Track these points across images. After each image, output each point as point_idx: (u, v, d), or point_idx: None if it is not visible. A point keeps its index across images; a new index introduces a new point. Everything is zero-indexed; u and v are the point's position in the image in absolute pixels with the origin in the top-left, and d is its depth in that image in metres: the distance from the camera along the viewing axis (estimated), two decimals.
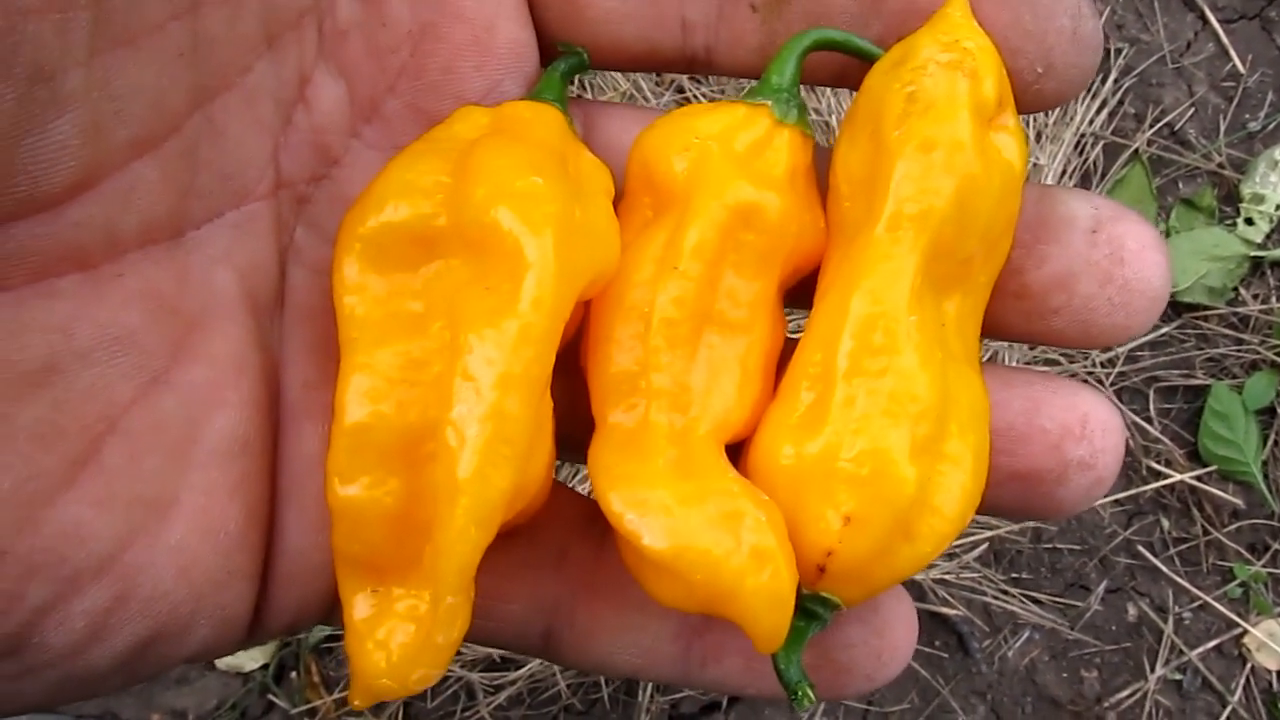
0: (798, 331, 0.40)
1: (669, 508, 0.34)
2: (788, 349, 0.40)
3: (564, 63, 0.41)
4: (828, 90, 1.27)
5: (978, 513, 0.38)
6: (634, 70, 0.44)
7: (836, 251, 0.39)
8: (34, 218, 0.31)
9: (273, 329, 0.38)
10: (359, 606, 0.35)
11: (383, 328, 0.35)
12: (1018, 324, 0.41)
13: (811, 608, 0.37)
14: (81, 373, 0.32)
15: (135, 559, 0.33)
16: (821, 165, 0.41)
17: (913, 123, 0.36)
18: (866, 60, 0.40)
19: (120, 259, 0.33)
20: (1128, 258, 0.39)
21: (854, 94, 0.40)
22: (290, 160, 0.38)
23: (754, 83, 0.41)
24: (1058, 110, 1.43)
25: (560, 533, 0.43)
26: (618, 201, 0.39)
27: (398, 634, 0.34)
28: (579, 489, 1.01)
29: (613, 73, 1.24)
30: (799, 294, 0.42)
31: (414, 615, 0.34)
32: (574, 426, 0.38)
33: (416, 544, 0.34)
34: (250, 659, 1.33)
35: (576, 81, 1.21)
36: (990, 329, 0.41)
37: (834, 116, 1.31)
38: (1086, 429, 0.40)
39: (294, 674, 1.34)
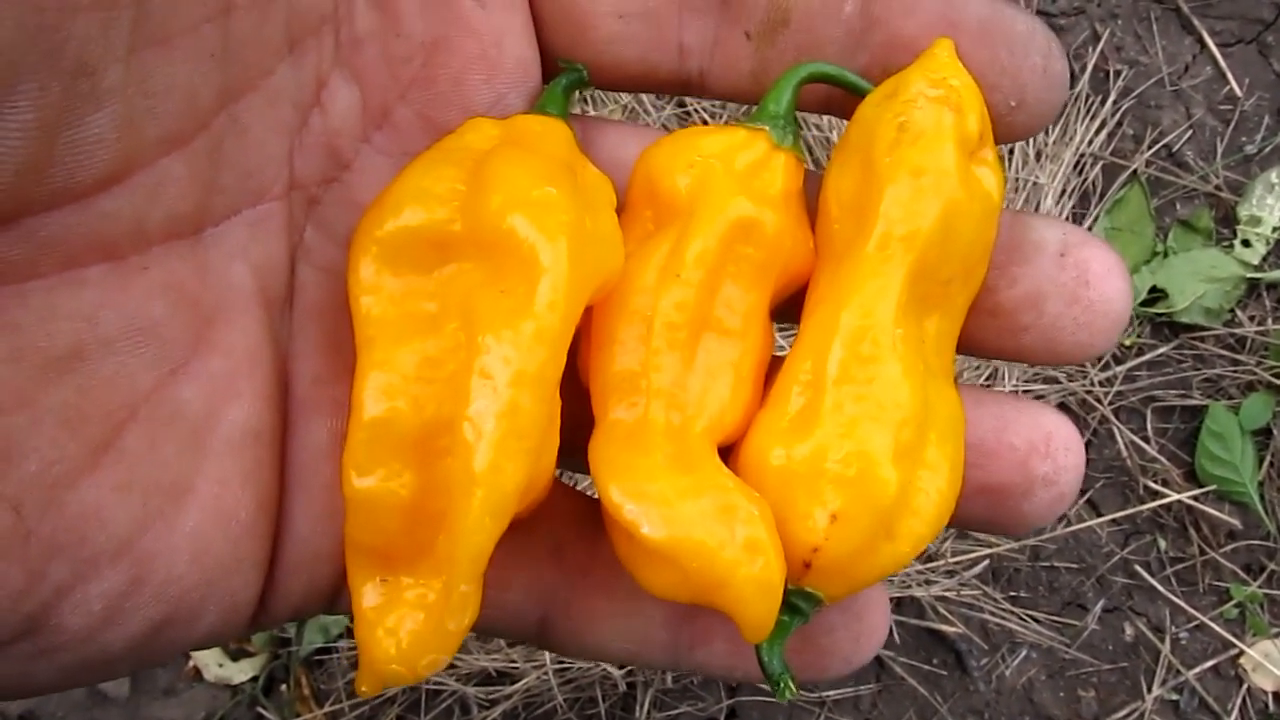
0: (782, 352, 0.42)
1: (667, 499, 0.36)
2: (774, 363, 0.42)
3: (565, 78, 0.43)
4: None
5: (947, 525, 0.40)
6: (633, 90, 0.46)
7: (825, 269, 0.41)
8: (66, 208, 0.32)
9: (283, 325, 0.39)
10: (369, 594, 0.36)
11: (399, 327, 0.36)
12: (990, 340, 0.43)
13: (795, 602, 0.39)
14: (106, 360, 0.33)
15: (151, 544, 0.34)
16: (809, 192, 0.43)
17: (903, 151, 0.39)
18: (856, 94, 0.42)
19: (146, 252, 0.34)
20: (1093, 280, 0.41)
21: (841, 122, 0.43)
22: (304, 162, 0.39)
23: (752, 107, 0.43)
24: (1058, 130, 1.43)
25: (557, 526, 0.44)
26: (619, 213, 0.41)
27: (407, 621, 0.35)
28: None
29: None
30: (784, 312, 0.44)
31: (423, 603, 0.35)
32: (571, 432, 0.39)
33: (427, 535, 0.35)
34: (240, 671, 1.31)
35: (579, 94, 1.21)
36: (965, 345, 0.43)
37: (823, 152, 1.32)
38: (1050, 447, 0.42)
39: (284, 686, 1.32)
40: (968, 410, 0.41)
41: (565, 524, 0.44)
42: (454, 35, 0.41)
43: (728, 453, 0.41)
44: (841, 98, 0.44)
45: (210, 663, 1.31)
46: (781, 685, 0.39)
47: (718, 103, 1.41)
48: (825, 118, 1.32)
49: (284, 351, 0.39)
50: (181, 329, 0.35)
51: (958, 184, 0.38)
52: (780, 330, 0.84)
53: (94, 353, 0.33)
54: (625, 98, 1.38)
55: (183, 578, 0.35)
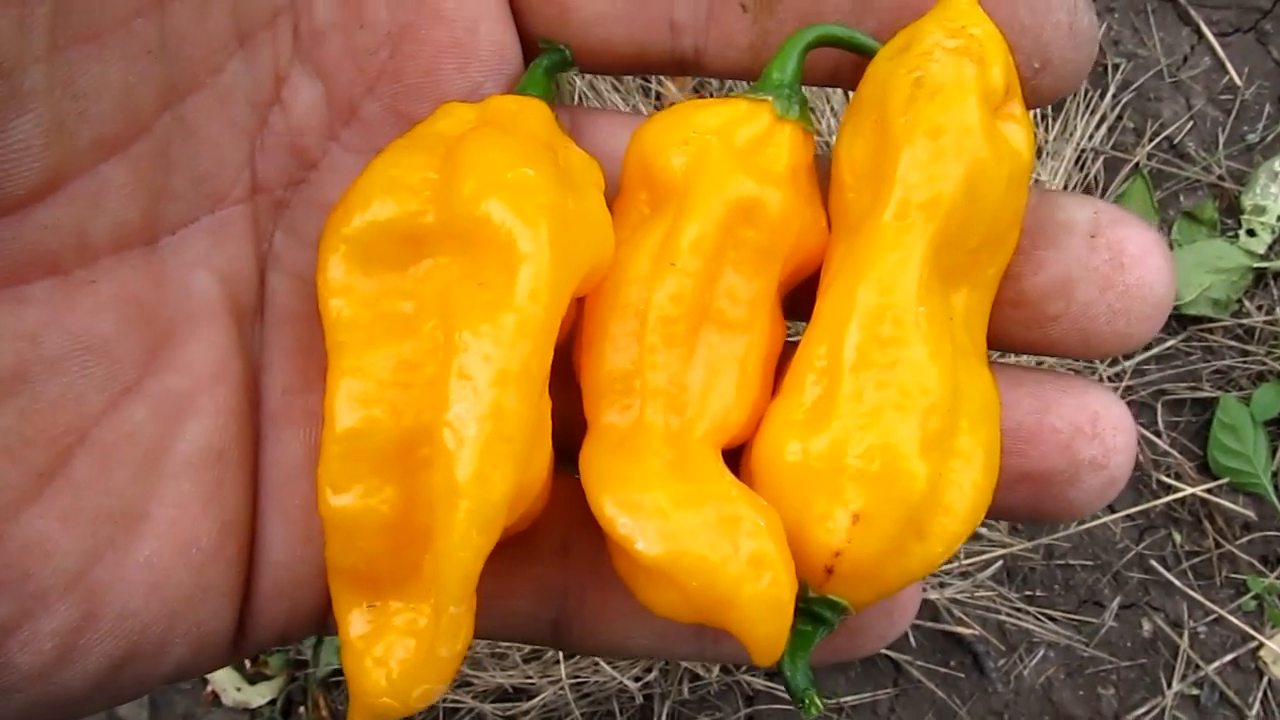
0: (797, 341, 0.39)
1: (664, 511, 0.33)
2: (786, 354, 0.39)
3: (546, 59, 0.40)
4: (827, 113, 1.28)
5: (987, 517, 0.37)
6: (622, 73, 0.43)
7: (840, 245, 0.38)
8: None
9: (253, 335, 0.37)
10: (355, 623, 0.34)
11: (372, 330, 0.34)
12: (1015, 333, 0.40)
13: (819, 611, 0.36)
14: (50, 382, 0.31)
15: (103, 576, 0.32)
16: (821, 171, 0.40)
17: (920, 108, 0.35)
18: (868, 56, 0.39)
19: (93, 264, 0.33)
20: (1128, 263, 0.38)
21: (849, 94, 0.39)
22: (267, 163, 0.37)
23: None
24: (1058, 125, 1.43)
25: (562, 523, 0.41)
26: (611, 200, 0.38)
27: (397, 650, 0.33)
28: None
29: (607, 93, 1.24)
30: (798, 304, 0.41)
31: (413, 629, 0.33)
32: (569, 435, 0.37)
33: (414, 554, 0.33)
34: (258, 694, 1.31)
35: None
36: (987, 337, 0.40)
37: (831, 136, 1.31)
38: (1098, 428, 0.39)
39: (302, 709, 1.32)
40: (1004, 391, 0.38)
41: (571, 519, 0.41)
42: (422, 23, 0.38)
43: (736, 457, 0.38)
44: (851, 66, 0.40)
45: (228, 686, 1.31)
46: (807, 701, 0.36)
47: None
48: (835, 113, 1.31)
49: (255, 363, 0.37)
50: (134, 345, 0.33)
51: (982, 142, 0.35)
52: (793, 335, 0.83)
53: (38, 374, 0.31)
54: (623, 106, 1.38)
55: (141, 611, 0.33)
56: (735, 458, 0.38)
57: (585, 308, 0.37)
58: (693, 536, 0.33)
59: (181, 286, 0.35)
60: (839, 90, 1.10)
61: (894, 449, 0.34)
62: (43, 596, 0.31)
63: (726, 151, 0.37)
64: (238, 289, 0.36)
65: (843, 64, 0.41)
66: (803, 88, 0.39)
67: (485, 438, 0.30)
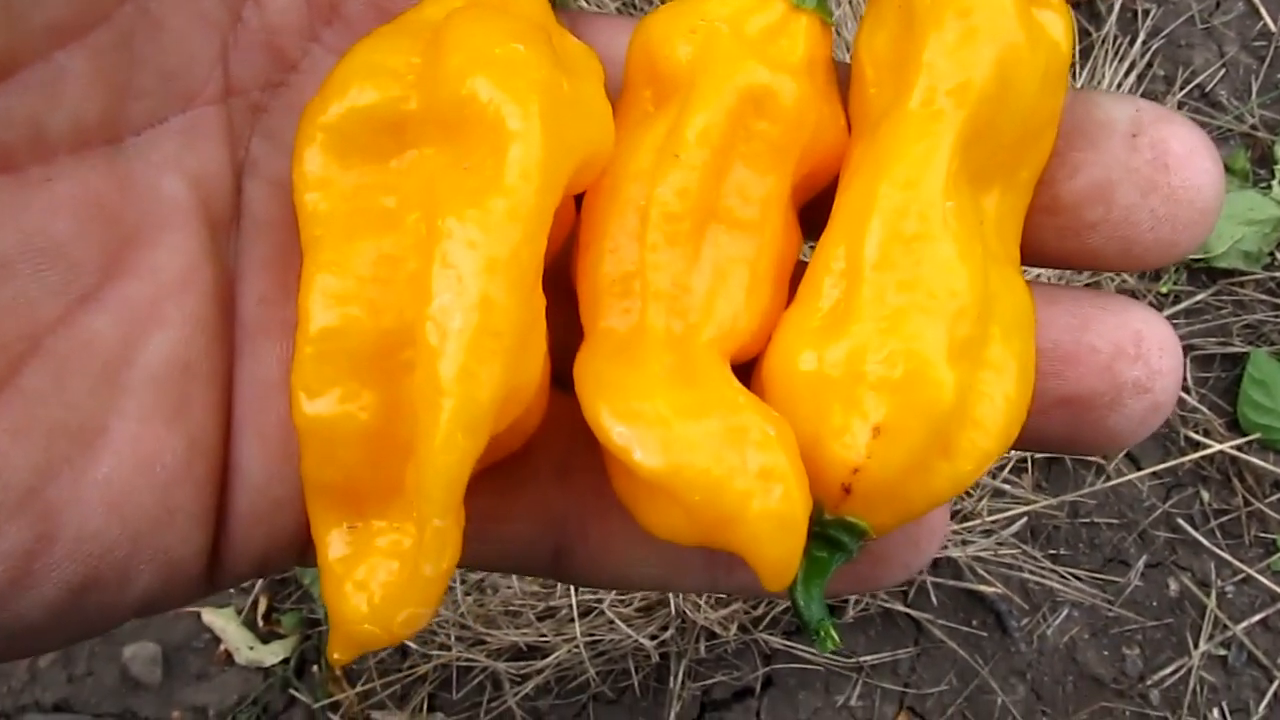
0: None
1: (665, 420, 0.30)
2: (800, 269, 0.36)
3: None
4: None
5: (1017, 447, 0.35)
6: None
7: (860, 143, 0.35)
8: None
9: (228, 244, 0.35)
10: (334, 544, 0.31)
11: (351, 224, 0.31)
12: (1049, 242, 0.37)
13: (835, 535, 0.33)
14: (2, 286, 0.29)
15: (58, 494, 0.30)
16: (840, 76, 0.38)
17: None
18: None
19: (49, 162, 0.30)
20: (1173, 164, 0.35)
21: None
22: (241, 63, 0.35)
23: None
24: (1085, 74, 1.39)
25: (560, 443, 0.39)
26: (613, 101, 0.35)
27: (379, 572, 0.31)
28: None
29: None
30: (814, 220, 0.38)
31: (397, 551, 0.31)
32: (567, 352, 0.35)
33: (397, 467, 0.31)
34: (270, 653, 1.31)
35: None
36: None
37: None
38: (1141, 348, 0.36)
39: (315, 668, 1.31)
40: (1039, 309, 0.35)
41: (570, 440, 0.39)
42: None
43: (747, 371, 0.35)
44: None
45: (241, 645, 1.31)
46: (822, 634, 0.33)
47: None
48: None
49: (229, 273, 0.35)
50: (94, 249, 0.31)
51: (1016, 26, 0.32)
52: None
53: None
54: None
55: (101, 533, 0.31)
56: (745, 374, 0.35)
57: (583, 209, 0.35)
58: (696, 447, 0.30)
59: (148, 189, 0.32)
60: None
61: (919, 355, 0.31)
62: None
63: (737, 40, 0.34)
64: (210, 194, 0.34)
65: None
66: None
67: (472, 331, 0.28)
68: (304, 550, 0.36)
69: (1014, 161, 0.35)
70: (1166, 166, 0.35)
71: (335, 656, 0.31)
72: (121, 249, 0.32)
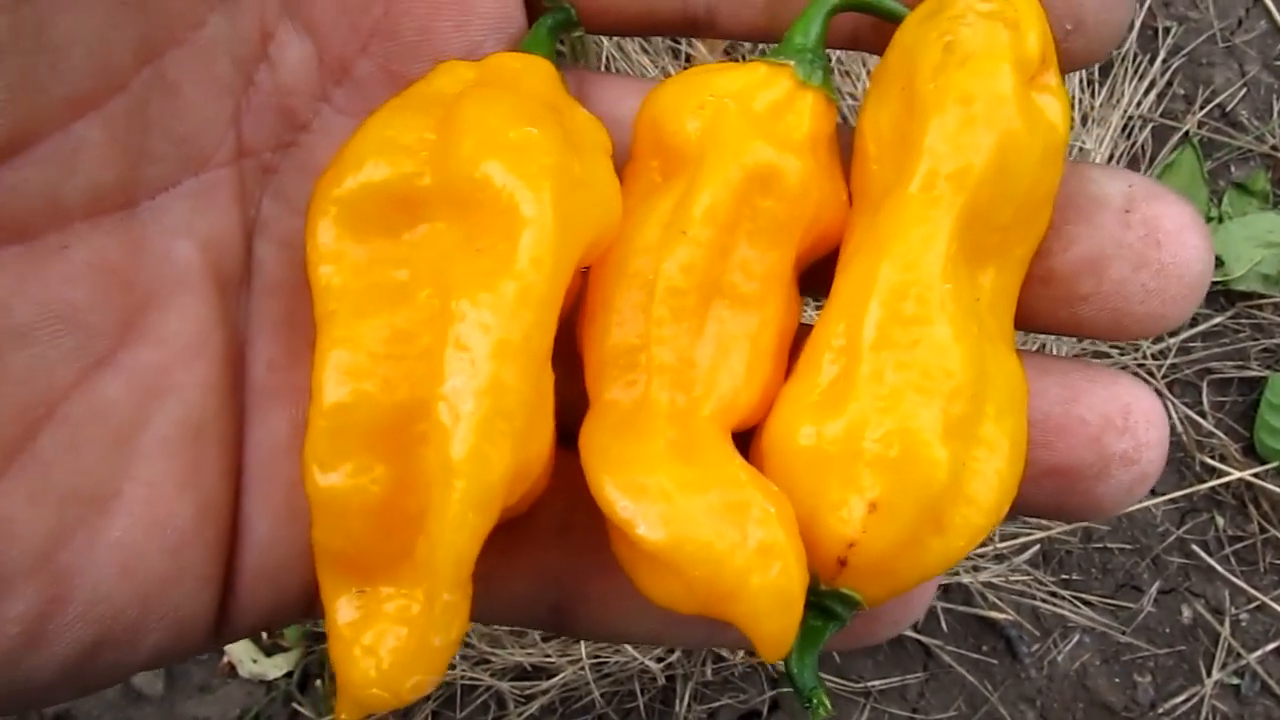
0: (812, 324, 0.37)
1: (668, 495, 0.32)
2: (801, 336, 0.37)
3: (551, 18, 0.38)
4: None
5: (1009, 514, 0.36)
6: (630, 34, 0.42)
7: (862, 219, 0.36)
8: None
9: (238, 306, 0.36)
10: (343, 609, 0.32)
11: (364, 299, 0.32)
12: (1043, 311, 0.38)
13: (830, 605, 0.34)
14: (18, 353, 0.30)
15: (72, 557, 0.31)
16: (843, 143, 0.39)
17: (950, 75, 0.34)
18: (894, 21, 0.37)
19: (65, 229, 0.31)
20: (1164, 240, 0.36)
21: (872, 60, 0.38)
22: (253, 125, 0.36)
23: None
24: (1104, 92, 1.38)
25: (561, 500, 0.39)
26: (620, 168, 0.36)
27: (388, 638, 0.31)
28: None
29: (635, 54, 1.20)
30: (814, 282, 0.39)
31: (405, 617, 0.31)
32: (572, 414, 0.36)
33: (407, 537, 0.31)
34: (274, 667, 1.31)
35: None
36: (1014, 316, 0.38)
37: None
38: (1129, 421, 0.37)
39: (318, 682, 1.31)
40: (1031, 380, 0.36)
41: (571, 498, 0.39)
42: None
43: (746, 441, 0.36)
44: (871, 28, 0.39)
45: (244, 658, 1.31)
46: (815, 702, 0.34)
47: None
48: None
49: (239, 336, 0.36)
50: (109, 315, 0.32)
51: (1015, 113, 0.33)
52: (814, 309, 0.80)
53: (5, 345, 0.30)
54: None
55: (112, 594, 0.31)
56: (745, 443, 0.36)
57: (590, 278, 0.36)
58: (698, 522, 0.31)
59: (160, 254, 0.33)
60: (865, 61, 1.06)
61: (914, 434, 0.32)
62: (7, 579, 0.30)
63: (744, 117, 0.35)
64: (221, 257, 0.35)
65: (862, 25, 0.39)
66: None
67: (483, 413, 0.29)
68: (309, 607, 0.37)
69: (1010, 240, 0.36)
70: (1158, 243, 0.36)
71: (343, 718, 0.32)
72: (135, 314, 0.33)
